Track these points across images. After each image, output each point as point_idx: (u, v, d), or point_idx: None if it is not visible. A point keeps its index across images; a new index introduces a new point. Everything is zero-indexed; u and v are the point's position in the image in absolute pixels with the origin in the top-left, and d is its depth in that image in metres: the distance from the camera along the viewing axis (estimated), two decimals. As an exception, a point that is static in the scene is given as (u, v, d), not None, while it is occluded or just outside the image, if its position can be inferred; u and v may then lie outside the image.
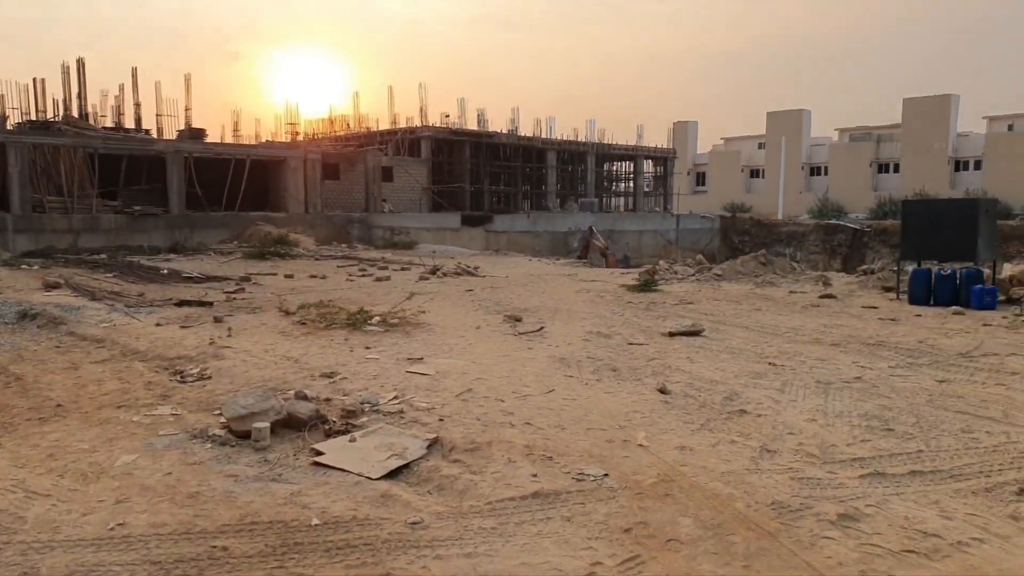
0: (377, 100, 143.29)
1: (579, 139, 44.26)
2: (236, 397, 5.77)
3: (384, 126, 40.17)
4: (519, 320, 10.49)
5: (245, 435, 5.31)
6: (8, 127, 26.40)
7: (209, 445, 5.20)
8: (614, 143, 45.45)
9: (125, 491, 4.30)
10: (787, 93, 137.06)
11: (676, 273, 18.08)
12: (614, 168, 49.65)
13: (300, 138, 38.64)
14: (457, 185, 38.42)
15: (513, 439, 5.00)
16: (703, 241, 37.40)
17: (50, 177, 25.35)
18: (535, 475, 4.39)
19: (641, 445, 5.01)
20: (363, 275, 17.89)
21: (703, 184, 64.84)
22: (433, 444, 4.98)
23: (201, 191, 28.67)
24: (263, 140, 40.58)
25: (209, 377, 7.09)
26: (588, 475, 4.44)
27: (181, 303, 12.31)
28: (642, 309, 12.12)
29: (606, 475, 4.46)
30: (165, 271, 17.46)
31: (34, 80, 29.95)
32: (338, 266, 20.25)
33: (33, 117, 29.80)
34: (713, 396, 6.42)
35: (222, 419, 5.70)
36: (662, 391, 6.49)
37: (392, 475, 4.51)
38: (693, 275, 17.51)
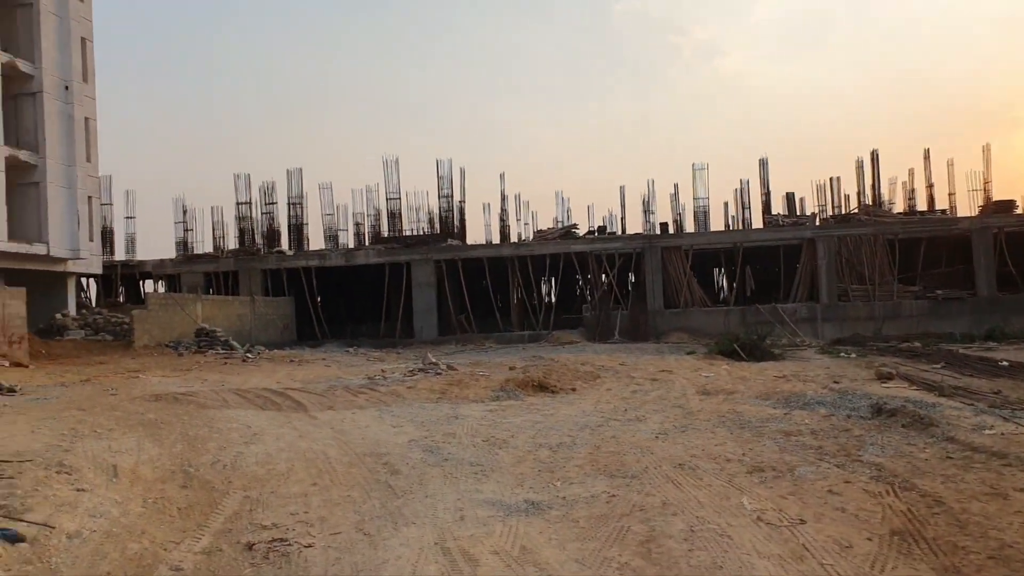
0: None
1: None
2: None
3: None
4: None
5: None
6: (816, 223, 28.22)
7: None
8: None
9: None
10: None
11: None
12: None
13: None
14: None
15: None
16: None
17: (852, 267, 25.73)
18: None
19: None
20: None
21: None
22: None
23: (1015, 270, 24.71)
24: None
25: None
26: None
27: (1066, 408, 9.52)
28: None
29: None
30: (1004, 363, 14.70)
31: (830, 179, 31.69)
32: None
33: (830, 212, 31.41)
34: None
35: None
36: None
37: None
38: None
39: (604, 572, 4.47)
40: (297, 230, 32.72)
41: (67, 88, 24.45)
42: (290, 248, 32.51)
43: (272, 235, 32.87)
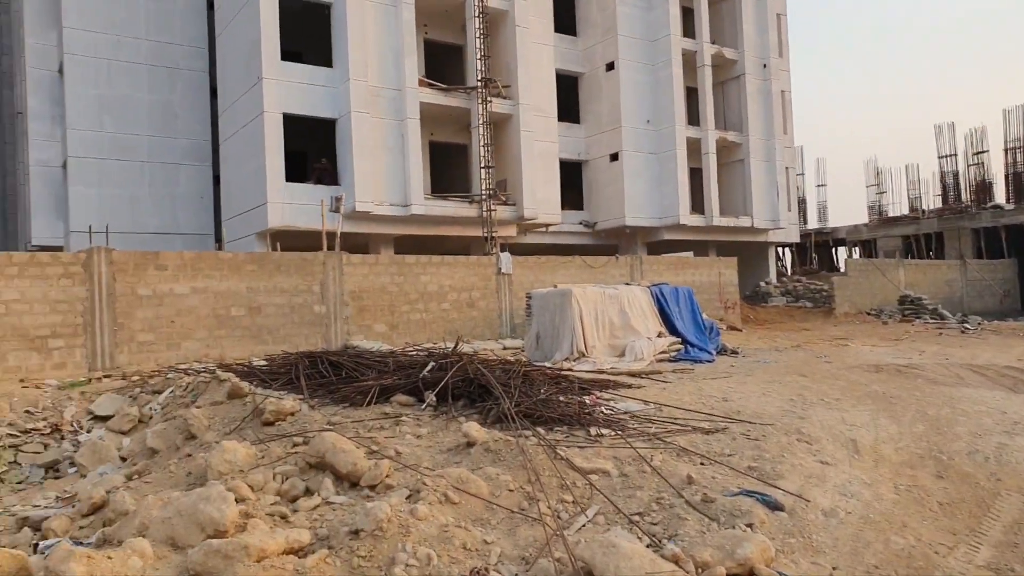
0: None
1: None
2: None
3: None
4: None
5: None
6: None
7: None
8: None
9: None
10: None
11: None
12: None
13: None
14: None
15: None
16: None
17: None
18: None
19: None
20: None
21: None
22: None
23: None
24: None
25: None
26: None
27: None
28: None
29: None
30: None
31: None
32: None
33: None
34: None
35: None
36: None
37: None
38: None
39: None
40: (1016, 179, 27.46)
41: (764, 66, 25.75)
42: (1008, 201, 27.52)
43: (983, 188, 28.43)
